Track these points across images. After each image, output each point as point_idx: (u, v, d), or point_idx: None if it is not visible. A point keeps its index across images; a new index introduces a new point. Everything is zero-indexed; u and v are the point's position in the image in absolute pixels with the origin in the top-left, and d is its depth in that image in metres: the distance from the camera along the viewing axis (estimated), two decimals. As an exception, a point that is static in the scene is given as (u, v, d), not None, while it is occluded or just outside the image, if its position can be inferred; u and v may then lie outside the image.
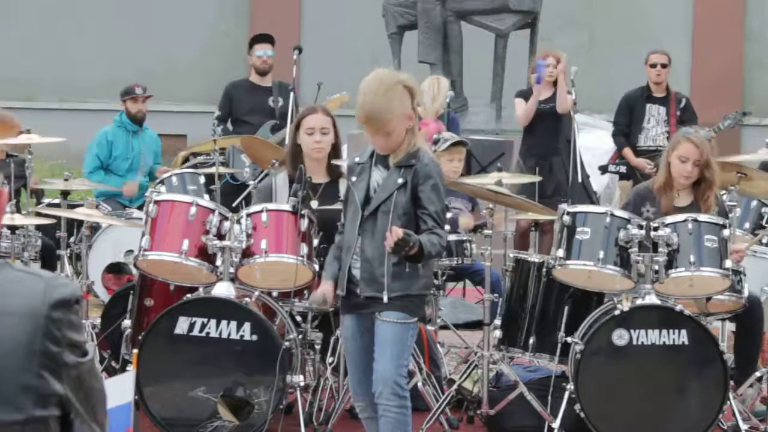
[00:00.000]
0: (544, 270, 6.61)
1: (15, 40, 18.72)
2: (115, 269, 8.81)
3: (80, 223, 7.64)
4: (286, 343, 6.21)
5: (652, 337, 6.23)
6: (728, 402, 6.34)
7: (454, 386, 6.71)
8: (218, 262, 6.34)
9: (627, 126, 10.87)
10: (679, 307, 6.28)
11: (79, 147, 11.04)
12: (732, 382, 6.57)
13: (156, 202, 6.52)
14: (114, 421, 4.29)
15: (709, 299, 6.70)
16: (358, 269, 5.25)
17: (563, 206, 6.60)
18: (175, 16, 18.85)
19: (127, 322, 6.74)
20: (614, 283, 6.40)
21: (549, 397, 6.47)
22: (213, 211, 6.47)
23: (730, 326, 7.20)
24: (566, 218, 6.44)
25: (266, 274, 6.42)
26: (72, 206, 7.92)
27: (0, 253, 7.68)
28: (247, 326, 6.20)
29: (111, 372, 6.88)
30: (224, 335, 6.20)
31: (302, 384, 6.37)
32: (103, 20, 18.81)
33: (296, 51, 10.50)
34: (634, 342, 6.23)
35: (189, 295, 6.47)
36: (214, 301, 6.29)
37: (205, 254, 6.37)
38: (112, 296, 7.59)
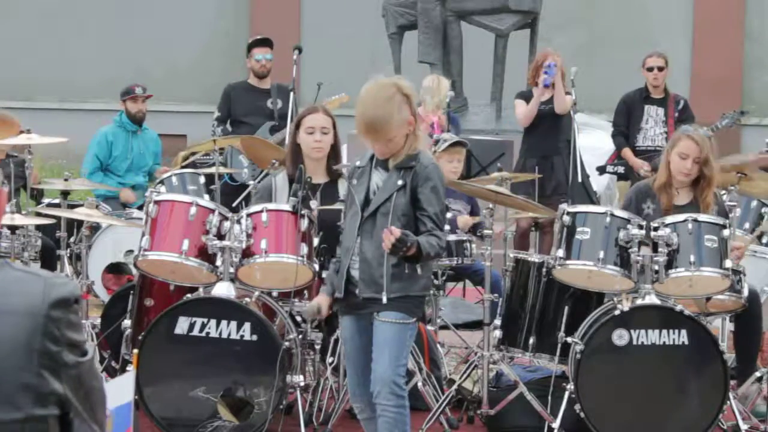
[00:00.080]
0: (544, 270, 6.61)
1: (15, 40, 18.72)
2: (115, 269, 8.82)
3: (80, 223, 7.64)
4: (286, 343, 6.21)
5: (652, 337, 6.23)
6: (728, 402, 6.34)
7: (454, 386, 6.71)
8: (218, 262, 6.34)
9: (626, 127, 10.89)
10: (679, 307, 6.28)
11: (79, 147, 11.03)
12: (732, 382, 6.57)
13: (156, 202, 6.52)
14: (114, 421, 4.29)
15: (709, 299, 6.70)
16: (357, 270, 5.25)
17: (563, 206, 6.60)
18: (175, 16, 18.86)
19: (127, 322, 6.75)
20: (614, 283, 6.40)
21: (549, 397, 6.47)
22: (213, 211, 6.47)
23: (730, 326, 7.20)
24: (566, 218, 6.44)
25: (266, 274, 6.42)
26: (72, 206, 7.92)
27: (0, 253, 7.68)
28: (247, 326, 6.20)
29: (111, 372, 6.88)
30: (224, 335, 6.20)
31: (302, 384, 6.37)
32: (103, 20, 18.82)
33: (296, 51, 10.50)
34: (634, 342, 6.23)
35: (189, 295, 6.47)
36: (214, 301, 6.29)
37: (205, 254, 6.37)
38: (112, 296, 7.59)
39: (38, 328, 2.55)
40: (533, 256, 6.93)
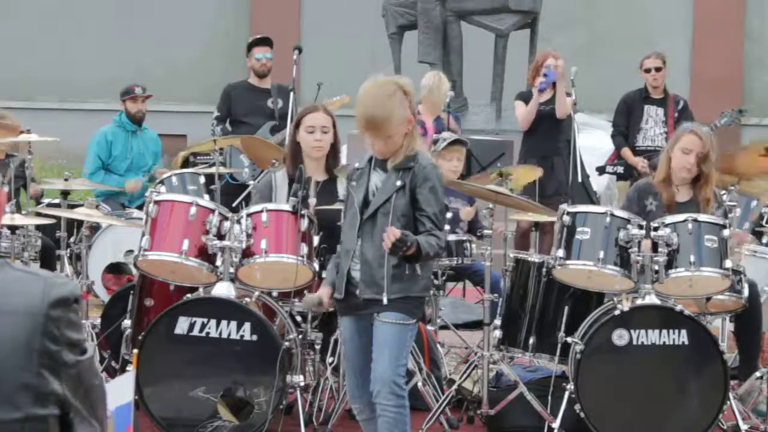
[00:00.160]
0: (544, 270, 6.61)
1: (15, 40, 18.73)
2: (115, 269, 8.81)
3: (80, 223, 7.63)
4: (286, 343, 6.21)
5: (652, 337, 6.23)
6: (728, 402, 6.34)
7: (454, 386, 6.71)
8: (218, 262, 6.34)
9: (625, 127, 10.87)
10: (679, 307, 6.28)
11: (79, 147, 11.04)
12: (733, 382, 6.57)
13: (156, 202, 6.52)
14: (114, 421, 4.29)
15: (709, 299, 6.70)
16: (357, 271, 5.26)
17: (563, 206, 6.60)
18: (175, 16, 18.86)
19: (127, 322, 6.75)
20: (614, 283, 6.40)
21: (549, 397, 6.47)
22: (213, 211, 6.47)
23: (730, 326, 7.20)
24: (566, 218, 6.44)
25: (266, 274, 6.42)
26: (72, 206, 7.92)
27: (0, 253, 7.68)
28: (247, 326, 6.20)
29: (111, 372, 6.88)
30: (224, 335, 6.20)
31: (302, 384, 6.37)
32: (103, 20, 18.83)
33: (296, 51, 10.49)
34: (634, 342, 6.23)
35: (189, 295, 6.47)
36: (214, 301, 6.29)
37: (205, 254, 6.37)
38: (112, 296, 7.59)
39: (38, 328, 2.55)
40: (533, 256, 6.93)
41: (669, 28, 18.42)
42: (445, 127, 9.79)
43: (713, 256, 6.39)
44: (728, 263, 6.40)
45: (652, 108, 10.79)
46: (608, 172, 11.15)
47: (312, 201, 6.35)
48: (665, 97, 10.82)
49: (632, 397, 6.25)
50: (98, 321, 7.27)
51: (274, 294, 6.51)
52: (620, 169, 10.87)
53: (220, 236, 6.37)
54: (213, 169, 8.86)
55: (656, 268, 6.28)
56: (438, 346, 7.33)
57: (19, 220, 7.55)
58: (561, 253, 6.40)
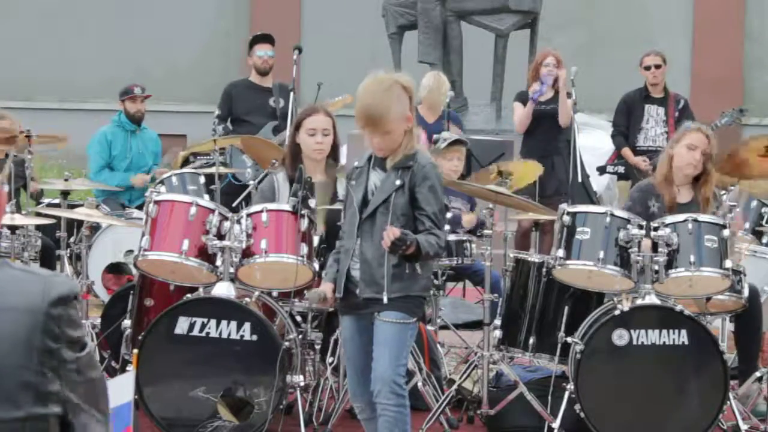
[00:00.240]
0: (544, 270, 6.61)
1: (15, 40, 18.73)
2: (115, 269, 8.82)
3: (80, 223, 7.63)
4: (286, 343, 6.21)
5: (652, 337, 6.23)
6: (728, 402, 6.34)
7: (454, 386, 6.71)
8: (218, 262, 6.34)
9: (626, 127, 10.86)
10: (679, 307, 6.28)
11: (79, 147, 11.04)
12: (733, 382, 6.57)
13: (156, 202, 6.52)
14: (114, 421, 4.29)
15: (709, 299, 6.70)
16: (357, 270, 5.25)
17: (563, 206, 6.60)
18: (175, 16, 18.86)
19: (127, 322, 6.75)
20: (614, 283, 6.39)
21: (549, 397, 6.46)
22: (213, 211, 6.47)
23: (730, 326, 7.20)
24: (566, 218, 6.44)
25: (266, 274, 6.42)
26: (72, 206, 7.92)
27: (0, 253, 7.68)
28: (247, 326, 6.19)
29: (111, 372, 6.88)
30: (224, 335, 6.20)
31: (302, 384, 6.37)
32: (103, 20, 18.83)
33: (296, 51, 10.48)
34: (634, 342, 6.23)
35: (189, 295, 6.47)
36: (214, 301, 6.29)
37: (205, 254, 6.37)
38: (112, 296, 7.59)
39: (38, 326, 2.55)
40: (533, 256, 6.93)
41: (669, 28, 18.42)
42: (445, 129, 9.78)
43: (713, 256, 6.38)
44: (728, 263, 6.40)
45: (653, 107, 10.78)
46: (609, 172, 11.14)
47: (312, 203, 6.34)
48: (666, 97, 10.82)
49: (632, 397, 6.25)
50: (98, 321, 7.27)
51: (274, 294, 6.51)
52: (621, 169, 10.86)
53: (220, 236, 6.37)
54: (213, 169, 8.86)
55: (656, 268, 6.28)
56: (438, 346, 7.33)
57: (19, 220, 7.55)
58: (561, 253, 6.40)
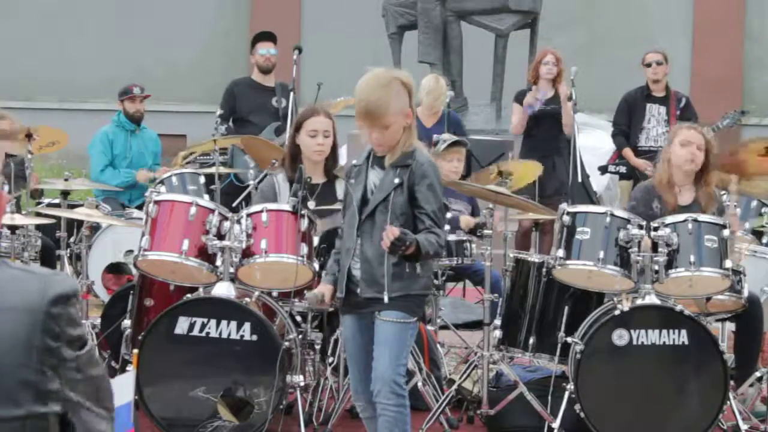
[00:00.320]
0: (544, 270, 6.61)
1: (15, 40, 18.73)
2: (115, 269, 8.81)
3: (80, 223, 7.64)
4: (286, 343, 6.21)
5: (652, 337, 6.23)
6: (728, 402, 6.34)
7: (454, 386, 6.71)
8: (218, 262, 6.34)
9: (627, 126, 10.83)
10: (679, 307, 6.28)
11: (79, 147, 11.03)
12: (732, 382, 6.56)
13: (156, 202, 6.52)
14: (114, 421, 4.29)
15: (709, 299, 6.70)
16: (358, 270, 5.25)
17: (563, 206, 6.60)
18: (175, 16, 18.87)
19: (127, 322, 6.75)
20: (614, 283, 6.39)
21: (549, 397, 6.46)
22: (213, 211, 6.47)
23: (730, 326, 7.20)
24: (566, 218, 6.44)
25: (266, 274, 6.42)
26: (72, 206, 7.92)
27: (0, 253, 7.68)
28: (247, 326, 6.19)
29: (111, 372, 6.87)
30: (224, 335, 6.20)
31: (302, 384, 6.37)
32: (103, 20, 18.83)
33: (296, 51, 10.47)
34: (634, 342, 6.23)
35: (189, 295, 6.46)
36: (214, 301, 6.29)
37: (205, 254, 6.37)
38: (112, 296, 7.58)
39: (38, 325, 2.55)
40: (533, 256, 6.93)
41: (669, 27, 18.42)
42: (444, 132, 9.78)
43: (713, 256, 6.39)
44: (728, 263, 6.40)
45: (654, 107, 10.75)
46: (611, 172, 11.12)
47: (311, 204, 6.34)
48: (667, 96, 10.79)
49: (632, 397, 6.25)
50: (98, 321, 7.27)
51: (274, 294, 6.51)
52: (623, 169, 10.84)
53: (220, 236, 6.37)
54: (213, 169, 8.86)
55: (656, 268, 6.28)
56: (438, 346, 7.32)
57: (19, 220, 7.55)
58: (561, 253, 6.40)
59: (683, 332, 6.21)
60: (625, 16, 18.68)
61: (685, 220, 6.42)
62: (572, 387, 6.29)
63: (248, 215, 6.39)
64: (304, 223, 6.28)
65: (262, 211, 6.37)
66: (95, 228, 8.79)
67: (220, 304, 6.26)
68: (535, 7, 13.16)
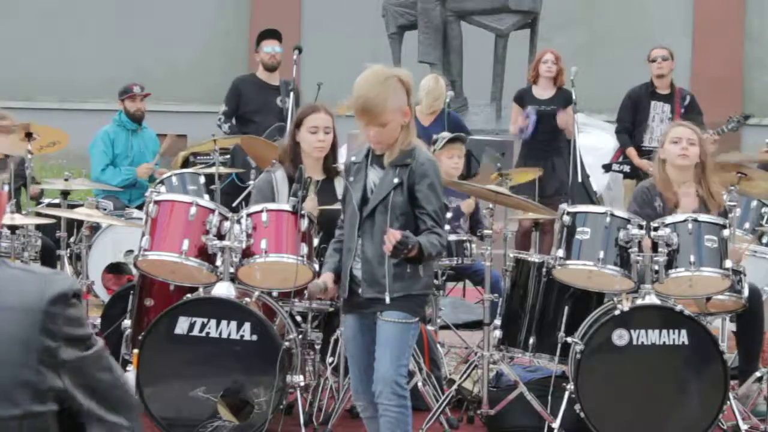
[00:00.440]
0: (544, 270, 6.61)
1: (15, 40, 18.73)
2: (115, 269, 8.81)
3: (80, 223, 7.64)
4: (286, 343, 6.21)
5: (652, 337, 6.23)
6: (728, 402, 6.34)
7: (454, 386, 6.71)
8: (218, 262, 6.34)
9: (631, 123, 10.76)
10: (679, 307, 6.28)
11: (79, 147, 11.03)
12: (733, 382, 6.56)
13: (156, 202, 6.52)
14: None
15: (709, 299, 6.70)
16: (359, 270, 5.24)
17: (563, 206, 6.60)
18: (175, 16, 18.87)
19: (127, 322, 6.75)
20: (614, 283, 6.39)
21: (549, 397, 6.46)
22: (213, 211, 6.47)
23: (730, 326, 7.20)
24: (566, 218, 6.43)
25: (266, 274, 6.42)
26: (72, 206, 7.92)
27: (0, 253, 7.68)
28: (247, 326, 6.19)
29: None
30: (224, 335, 6.20)
31: (302, 384, 6.37)
32: (103, 20, 18.84)
33: (296, 51, 10.46)
34: (634, 342, 6.23)
35: (189, 295, 6.46)
36: (214, 301, 6.28)
37: (205, 254, 6.37)
38: (112, 296, 7.59)
39: (36, 324, 2.55)
40: (533, 256, 6.93)
41: (669, 27, 18.41)
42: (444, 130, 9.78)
43: (713, 256, 6.38)
44: (728, 263, 6.40)
45: (659, 104, 10.69)
46: (615, 170, 11.08)
47: (312, 200, 6.34)
48: (671, 93, 10.73)
49: (632, 397, 6.25)
50: (98, 321, 7.28)
51: (274, 294, 6.50)
52: (626, 168, 10.80)
53: (220, 236, 6.37)
54: (213, 169, 8.85)
55: (656, 268, 6.28)
56: (438, 346, 7.32)
57: (19, 220, 7.55)
58: (561, 253, 6.40)
59: (683, 332, 6.21)
60: (625, 16, 18.69)
61: (685, 220, 6.41)
62: (572, 387, 6.29)
63: (248, 215, 6.39)
64: (304, 223, 6.28)
65: (262, 211, 6.37)
66: (95, 228, 8.79)
67: (220, 304, 6.26)
68: (535, 7, 13.17)
